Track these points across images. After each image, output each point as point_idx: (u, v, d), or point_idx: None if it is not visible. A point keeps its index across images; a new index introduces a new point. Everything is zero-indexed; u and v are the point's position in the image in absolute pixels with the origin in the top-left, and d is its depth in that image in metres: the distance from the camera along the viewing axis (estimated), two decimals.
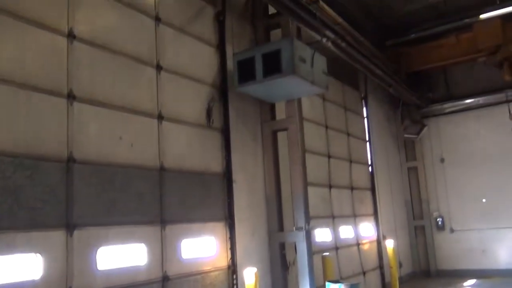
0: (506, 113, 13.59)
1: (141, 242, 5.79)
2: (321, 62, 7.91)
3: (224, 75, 7.73)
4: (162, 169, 6.25)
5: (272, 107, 8.66)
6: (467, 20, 13.11)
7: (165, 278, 5.98)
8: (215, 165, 7.35)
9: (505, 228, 14.00)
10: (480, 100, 14.42)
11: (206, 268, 6.76)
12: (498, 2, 12.66)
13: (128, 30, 6.10)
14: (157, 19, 6.54)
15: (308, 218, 8.07)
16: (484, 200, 14.49)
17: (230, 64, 7.72)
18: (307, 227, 7.94)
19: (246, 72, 7.43)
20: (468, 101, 14.70)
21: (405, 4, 13.17)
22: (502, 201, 14.08)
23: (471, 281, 13.23)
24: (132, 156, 5.81)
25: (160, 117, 6.36)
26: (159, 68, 6.44)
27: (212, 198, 7.14)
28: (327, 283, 7.79)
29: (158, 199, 6.13)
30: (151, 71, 6.36)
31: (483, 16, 12.72)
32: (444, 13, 13.43)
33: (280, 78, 7.14)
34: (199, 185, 6.92)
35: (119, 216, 5.53)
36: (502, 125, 13.89)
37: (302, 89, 7.75)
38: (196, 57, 7.29)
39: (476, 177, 14.56)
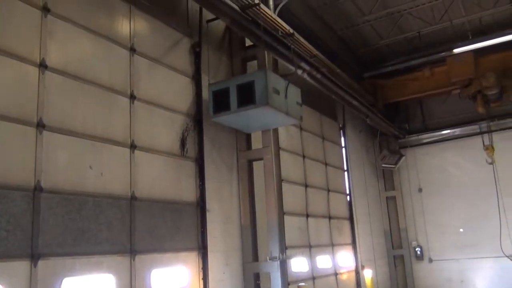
0: (480, 144, 13.92)
1: (109, 273, 5.71)
2: (295, 93, 8.07)
3: (199, 105, 7.83)
4: (133, 198, 6.23)
5: (248, 136, 8.75)
6: (441, 54, 13.52)
7: None
8: (189, 194, 7.35)
9: (482, 258, 14.12)
10: (456, 131, 14.78)
11: None
12: (470, 37, 13.15)
13: (102, 60, 6.18)
14: (132, 50, 6.64)
15: (283, 247, 8.06)
16: (461, 230, 14.66)
17: (206, 94, 7.83)
18: (281, 257, 7.92)
19: (221, 102, 7.55)
20: (443, 132, 15.06)
21: (381, 38, 13.59)
22: (479, 230, 14.25)
23: None
24: (102, 185, 5.80)
25: (133, 146, 6.38)
26: (132, 97, 6.51)
27: (185, 227, 7.11)
28: None
29: (128, 228, 6.09)
30: (125, 101, 6.41)
31: (456, 50, 13.13)
32: (419, 47, 13.89)
33: (254, 109, 7.26)
34: (172, 214, 6.90)
35: (87, 245, 5.47)
36: (477, 156, 14.21)
37: (276, 119, 7.87)
38: (172, 87, 7.39)
39: (453, 206, 14.77)
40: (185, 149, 7.41)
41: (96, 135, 5.85)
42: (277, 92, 7.45)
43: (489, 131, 13.99)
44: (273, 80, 7.41)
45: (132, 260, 6.03)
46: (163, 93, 7.16)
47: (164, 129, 7.09)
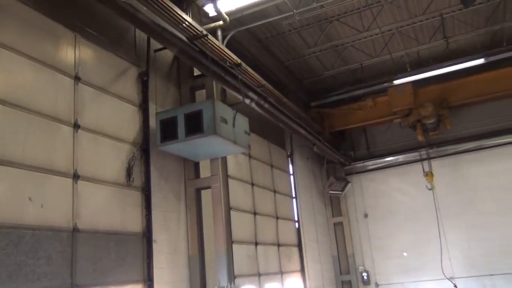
0: (421, 171, 14.55)
1: None
2: (243, 122, 8.20)
3: (146, 133, 7.77)
4: (75, 230, 6.03)
5: (196, 165, 8.75)
6: (383, 85, 14.18)
7: None
8: (135, 224, 7.20)
9: (424, 281, 14.58)
10: (398, 158, 15.43)
11: None
12: (408, 69, 13.92)
13: (45, 89, 6.05)
14: (77, 78, 6.54)
15: (231, 276, 8.02)
16: (405, 254, 15.12)
17: (153, 122, 7.80)
18: (230, 286, 7.87)
19: (168, 131, 7.54)
20: (387, 159, 15.66)
21: (326, 69, 14.12)
22: (422, 254, 14.77)
23: None
24: (42, 217, 5.59)
25: (76, 176, 6.21)
26: (76, 126, 6.37)
27: (130, 259, 6.93)
28: None
29: (69, 262, 5.86)
30: (68, 130, 6.27)
31: (396, 81, 13.84)
32: (362, 78, 14.55)
33: (202, 137, 7.31)
34: (117, 246, 6.72)
35: (24, 281, 5.21)
36: (419, 182, 14.80)
37: (224, 148, 7.94)
38: (118, 115, 7.31)
39: (397, 231, 15.26)
40: (131, 179, 7.29)
41: (37, 165, 5.66)
42: (225, 121, 7.54)
43: (429, 158, 14.70)
44: (221, 109, 7.51)
45: None
46: (109, 122, 7.06)
47: (110, 159, 6.97)
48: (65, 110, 6.29)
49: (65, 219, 5.95)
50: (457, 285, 13.80)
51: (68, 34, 6.58)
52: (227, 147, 7.88)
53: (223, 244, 8.10)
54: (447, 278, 13.94)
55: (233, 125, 7.77)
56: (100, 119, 6.87)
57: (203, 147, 7.80)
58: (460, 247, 14.34)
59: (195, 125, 7.36)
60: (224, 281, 7.89)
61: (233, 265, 8.32)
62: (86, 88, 6.71)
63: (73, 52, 6.60)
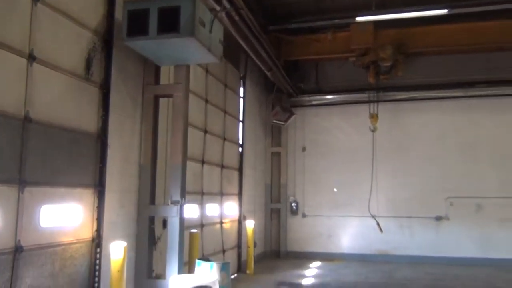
0: (366, 113, 14.79)
1: None
2: (219, 30, 7.50)
3: (111, 23, 6.80)
4: (27, 119, 5.19)
5: (157, 70, 7.95)
6: (345, 20, 13.79)
7: (18, 249, 5.00)
8: (90, 124, 6.44)
9: (350, 216, 15.30)
10: (346, 97, 15.46)
11: (68, 239, 5.89)
12: (373, 8, 13.60)
13: None
14: None
15: (184, 192, 7.64)
16: (335, 190, 15.64)
17: (120, 13, 6.81)
18: (182, 201, 7.51)
19: (137, 25, 6.64)
20: (335, 96, 15.65)
21: None
22: (350, 192, 15.37)
23: (317, 263, 14.18)
24: None
25: (31, 58, 5.26)
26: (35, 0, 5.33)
27: (83, 161, 6.24)
28: (197, 261, 7.49)
29: (18, 155, 5.08)
30: (26, 2, 5.21)
31: (358, 19, 13.50)
32: (326, 9, 13.99)
33: (177, 38, 6.53)
34: (70, 145, 5.98)
35: None
36: (361, 124, 15.10)
37: (197, 54, 7.22)
38: None
39: (332, 168, 15.63)
40: (90, 72, 6.41)
41: None
42: (203, 24, 6.78)
43: (376, 101, 14.89)
44: (201, 10, 6.72)
45: (20, 192, 5.07)
46: (71, 1, 6.01)
47: (69, 45, 6.01)
48: None
49: (16, 105, 5.08)
50: (379, 223, 14.66)
51: None
52: (200, 54, 7.16)
53: (179, 158, 7.61)
54: (372, 216, 14.75)
55: (210, 30, 7.03)
56: None
57: (174, 49, 7.00)
58: (386, 189, 15.07)
59: (170, 23, 6.51)
60: (177, 196, 7.49)
61: (185, 181, 7.90)
62: None
63: None
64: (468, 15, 12.89)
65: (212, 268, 7.23)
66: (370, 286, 11.24)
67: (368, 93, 14.87)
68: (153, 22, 6.56)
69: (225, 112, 11.96)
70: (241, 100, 13.50)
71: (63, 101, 5.88)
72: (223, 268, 7.46)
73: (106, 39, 6.72)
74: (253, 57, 11.91)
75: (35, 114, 5.32)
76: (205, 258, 7.73)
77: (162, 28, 6.53)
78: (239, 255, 12.73)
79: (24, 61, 5.19)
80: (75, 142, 6.10)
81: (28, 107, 5.21)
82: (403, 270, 13.09)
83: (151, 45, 6.82)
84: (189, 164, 9.45)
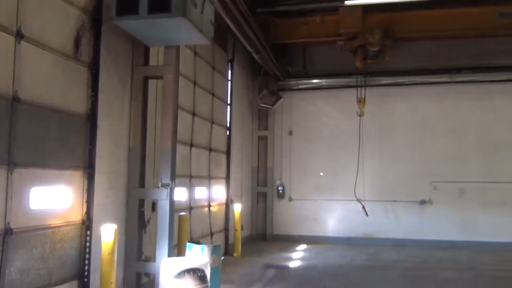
0: (353, 97, 14.81)
1: None
2: (210, 10, 7.35)
3: (99, 1, 6.63)
4: (15, 99, 5.05)
5: (146, 50, 7.80)
6: (333, 4, 13.69)
7: (8, 231, 4.90)
8: (79, 104, 6.30)
9: (335, 200, 15.44)
10: (333, 81, 15.45)
11: (58, 221, 5.80)
12: None
13: None
14: None
15: (174, 175, 7.58)
16: (321, 174, 15.73)
17: None
18: (172, 184, 7.45)
19: (127, 3, 6.46)
20: (322, 80, 15.64)
21: None
22: (336, 176, 15.47)
23: (303, 246, 14.33)
24: None
25: (19, 35, 5.10)
26: None
27: (72, 143, 6.12)
28: (188, 244, 7.47)
29: (7, 136, 4.95)
30: None
31: (347, 2, 13.43)
32: None
33: (168, 18, 6.38)
34: (59, 126, 5.85)
35: None
36: (348, 108, 15.14)
37: (188, 35, 7.08)
38: None
39: (319, 153, 15.70)
40: (79, 51, 6.25)
41: None
42: (194, 4, 6.64)
43: (364, 86, 14.92)
44: None
45: (9, 174, 4.95)
46: None
47: (57, 23, 5.84)
48: None
49: (4, 84, 4.92)
50: (365, 206, 14.82)
51: None
52: (191, 35, 7.03)
53: (169, 139, 7.53)
54: (357, 200, 14.90)
55: (202, 11, 6.89)
56: None
57: (164, 30, 6.86)
58: (372, 173, 15.22)
59: (161, 3, 6.36)
60: (167, 178, 7.43)
61: (175, 164, 7.83)
62: None
63: None
64: (454, 0, 12.97)
65: (203, 251, 7.22)
66: (355, 268, 11.40)
67: (356, 78, 14.86)
68: (143, 1, 6.40)
69: (213, 94, 11.86)
70: (229, 83, 13.38)
71: (52, 81, 5.74)
72: (214, 251, 7.45)
73: (95, 18, 6.56)
74: (242, 39, 11.77)
75: (24, 94, 5.17)
76: (196, 241, 7.71)
77: (153, 8, 6.37)
78: (227, 238, 12.77)
79: (12, 38, 5.02)
80: (64, 123, 5.97)
81: (16, 87, 5.07)
82: (387, 253, 13.31)
83: (141, 25, 6.67)
84: (178, 147, 9.33)
